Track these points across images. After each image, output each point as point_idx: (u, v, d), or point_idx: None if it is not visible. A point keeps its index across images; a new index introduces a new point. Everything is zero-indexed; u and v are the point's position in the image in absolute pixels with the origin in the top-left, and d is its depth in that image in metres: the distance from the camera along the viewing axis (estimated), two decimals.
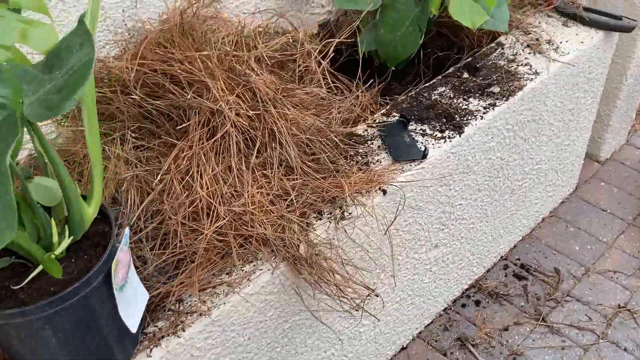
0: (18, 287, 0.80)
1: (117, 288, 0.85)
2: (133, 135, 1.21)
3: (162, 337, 0.98)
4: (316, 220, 1.16)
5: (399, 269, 1.42)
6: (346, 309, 1.14)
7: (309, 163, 1.20)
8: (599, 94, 1.85)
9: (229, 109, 1.13)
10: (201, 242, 1.02)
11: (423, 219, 1.39)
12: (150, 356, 0.96)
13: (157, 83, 1.20)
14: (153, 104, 1.18)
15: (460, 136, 1.35)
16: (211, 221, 1.05)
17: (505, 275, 1.84)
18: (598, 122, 2.13)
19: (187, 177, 1.08)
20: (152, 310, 1.01)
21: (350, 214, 1.18)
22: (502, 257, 1.89)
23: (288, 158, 1.17)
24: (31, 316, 0.77)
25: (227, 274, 1.07)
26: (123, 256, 0.86)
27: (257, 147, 1.16)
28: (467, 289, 1.80)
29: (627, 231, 1.97)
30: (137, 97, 1.18)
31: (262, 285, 1.07)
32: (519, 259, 1.89)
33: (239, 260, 1.09)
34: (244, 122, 1.14)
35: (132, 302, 0.91)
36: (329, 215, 1.17)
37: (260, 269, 1.08)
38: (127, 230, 0.86)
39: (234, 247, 1.06)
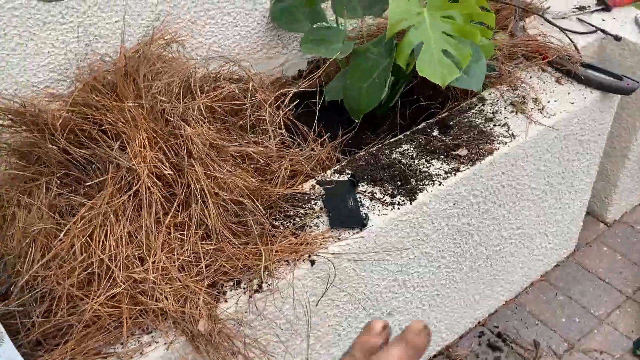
0: None
1: None
2: (58, 182, 1.16)
3: None
4: (230, 291, 1.08)
5: (340, 339, 1.32)
6: None
7: (233, 226, 1.12)
8: (597, 156, 1.70)
9: (145, 165, 1.07)
10: (84, 313, 0.96)
11: (367, 287, 1.29)
12: None
13: (86, 130, 1.16)
14: (77, 152, 1.13)
15: (411, 203, 1.25)
16: (105, 289, 0.99)
17: (479, 344, 1.70)
18: (605, 181, 1.96)
19: (88, 237, 1.02)
20: None
21: (268, 285, 1.09)
22: (479, 322, 1.76)
23: (206, 220, 1.09)
24: None
25: (122, 344, 1.01)
26: None
27: (174, 207, 1.10)
28: (434, 356, 1.67)
29: (623, 306, 1.80)
30: (61, 144, 1.13)
31: (155, 359, 1.00)
32: (497, 327, 1.75)
33: (136, 328, 1.02)
34: (159, 182, 1.07)
35: None
36: (244, 287, 1.08)
37: (157, 342, 1.01)
38: None
39: (126, 318, 0.99)
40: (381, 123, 1.56)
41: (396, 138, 1.42)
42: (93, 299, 0.97)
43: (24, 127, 1.18)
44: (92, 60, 1.33)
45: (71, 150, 1.13)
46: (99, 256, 1.01)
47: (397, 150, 1.38)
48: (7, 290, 1.03)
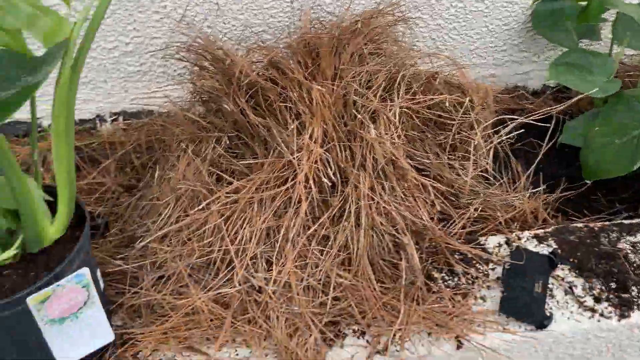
0: None
1: (46, 321, 0.74)
2: (227, 142, 1.07)
3: None
4: (350, 337, 0.90)
5: None
6: None
7: (381, 262, 0.93)
8: None
9: (307, 163, 0.91)
10: (185, 305, 0.86)
11: None
12: None
13: (268, 99, 1.03)
14: (254, 119, 1.02)
15: (620, 320, 0.92)
16: (218, 285, 0.87)
17: None
18: None
19: (224, 218, 0.91)
20: (118, 347, 0.89)
21: (396, 351, 0.89)
22: None
23: (351, 245, 0.91)
24: None
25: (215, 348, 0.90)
26: (66, 293, 0.74)
27: (324, 217, 0.93)
28: None
29: None
30: (241, 105, 1.03)
31: None
32: None
33: (238, 335, 0.90)
34: (316, 182, 0.91)
35: (78, 337, 0.80)
36: (367, 340, 0.90)
37: None
38: (82, 270, 0.74)
39: (229, 324, 0.87)
40: (622, 189, 1.21)
41: (634, 221, 1.07)
42: (202, 290, 0.87)
43: (217, 77, 1.10)
44: (312, 16, 1.20)
45: (249, 114, 1.02)
46: (227, 246, 0.89)
47: (628, 237, 1.03)
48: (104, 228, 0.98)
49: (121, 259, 0.93)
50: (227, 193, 0.93)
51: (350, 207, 0.91)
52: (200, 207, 0.93)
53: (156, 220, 0.96)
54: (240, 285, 0.88)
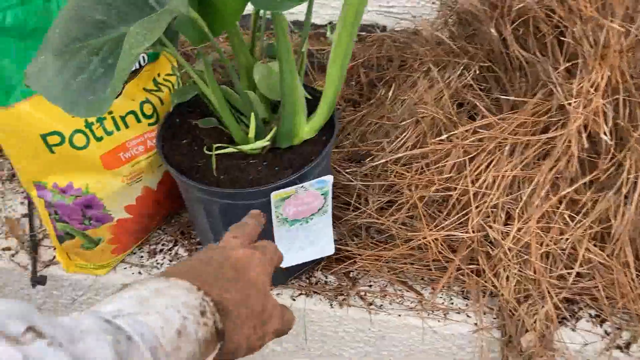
0: (209, 152, 0.74)
1: (280, 219, 0.72)
2: (476, 72, 0.96)
3: (317, 293, 0.84)
4: (586, 322, 0.78)
5: None
6: None
7: None
8: None
9: (582, 113, 0.77)
10: (416, 238, 0.79)
11: None
12: (294, 300, 0.84)
13: (540, 32, 0.89)
14: (516, 51, 0.89)
15: None
16: (451, 225, 0.79)
17: None
18: None
19: (468, 157, 0.82)
20: (332, 261, 0.86)
21: None
22: None
23: (612, 219, 0.77)
24: (191, 189, 0.71)
25: (432, 289, 0.83)
26: (305, 196, 0.70)
27: (584, 180, 0.80)
28: None
29: None
30: (505, 33, 0.90)
31: (452, 332, 0.80)
32: None
33: (457, 285, 0.83)
34: (585, 139, 0.77)
35: (302, 243, 0.77)
36: (605, 331, 0.77)
37: (468, 316, 0.80)
38: (328, 178, 0.69)
39: (453, 270, 0.79)
40: None
41: None
42: (434, 227, 0.79)
43: None
44: None
45: (511, 45, 0.89)
46: (467, 186, 0.80)
47: None
48: (362, 159, 0.93)
49: (349, 173, 0.88)
50: (477, 127, 0.82)
51: (622, 174, 0.77)
52: (442, 137, 0.84)
53: (391, 141, 0.89)
54: (473, 232, 0.79)
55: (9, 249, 0.92)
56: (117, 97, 0.75)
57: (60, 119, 0.72)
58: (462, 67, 0.96)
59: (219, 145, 0.69)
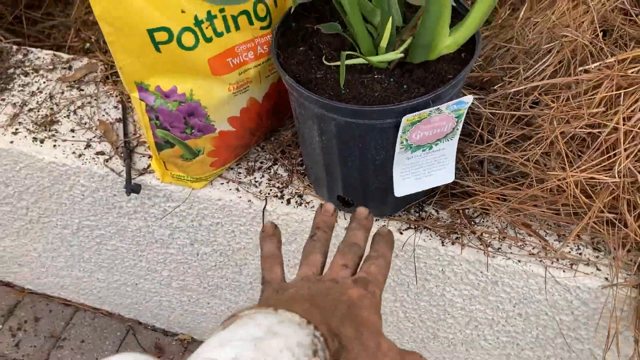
0: (328, 63, 0.65)
1: (404, 144, 0.64)
2: None
3: (428, 229, 0.76)
4: None
5: None
6: None
7: None
8: None
9: None
10: (552, 179, 0.69)
11: None
12: (401, 233, 0.77)
13: None
14: None
15: None
16: (585, 166, 0.69)
17: None
18: None
19: (622, 91, 0.70)
20: (446, 195, 0.78)
21: None
22: None
23: None
24: (307, 102, 0.63)
25: (558, 236, 0.74)
26: (438, 119, 0.62)
27: None
28: None
29: None
30: None
31: (578, 285, 0.72)
32: None
33: (588, 234, 0.73)
34: None
35: (421, 170, 0.69)
36: None
37: (599, 270, 0.71)
38: (468, 98, 0.60)
39: (591, 215, 0.70)
40: None
41: None
42: (574, 169, 0.69)
43: None
44: None
45: None
46: (617, 123, 0.69)
47: None
48: (489, 82, 0.82)
49: (475, 97, 0.78)
50: (635, 56, 0.70)
51: None
52: (591, 65, 0.72)
53: (526, 68, 0.78)
54: (619, 177, 0.68)
55: (102, 153, 0.89)
56: None
57: (170, 14, 0.65)
58: None
59: (349, 53, 0.60)
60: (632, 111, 0.70)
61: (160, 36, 0.65)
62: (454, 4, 0.62)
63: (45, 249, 1.17)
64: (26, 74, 1.00)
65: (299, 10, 0.72)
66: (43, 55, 1.03)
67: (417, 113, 0.59)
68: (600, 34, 0.81)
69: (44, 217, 1.04)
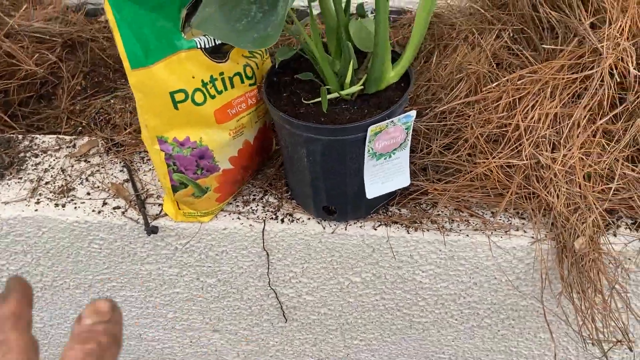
0: (306, 102, 0.88)
1: (370, 152, 0.86)
2: (510, 35, 1.11)
3: (395, 222, 0.98)
4: (625, 228, 0.93)
5: None
6: (582, 334, 0.94)
7: None
8: None
9: (612, 53, 0.93)
10: (479, 166, 0.94)
11: None
12: (375, 230, 0.98)
13: None
14: (545, 12, 1.05)
15: None
16: (507, 155, 0.94)
17: None
18: None
19: (517, 98, 0.97)
20: (404, 196, 1.01)
21: None
22: None
23: None
24: (297, 130, 0.85)
25: (492, 212, 0.98)
26: (393, 130, 0.85)
27: (615, 111, 0.95)
28: None
29: None
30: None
31: (513, 245, 0.95)
32: None
33: (512, 207, 0.98)
34: (617, 78, 0.93)
35: (385, 175, 0.92)
36: None
37: (525, 232, 0.95)
38: (412, 112, 0.84)
39: (512, 193, 0.94)
40: None
41: None
42: (493, 158, 0.94)
43: None
44: None
45: (541, 8, 1.05)
46: (518, 122, 0.95)
47: None
48: (420, 111, 1.08)
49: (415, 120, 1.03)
50: (524, 74, 0.98)
51: None
52: (493, 85, 0.99)
53: (446, 94, 1.05)
54: (526, 159, 0.94)
55: (118, 207, 1.06)
56: (225, 62, 0.90)
57: (185, 80, 0.86)
58: (496, 32, 1.12)
59: (327, 87, 0.83)
60: (526, 112, 0.97)
61: (179, 96, 0.86)
62: (392, 48, 0.87)
63: (52, 316, 1.28)
64: (36, 156, 1.17)
65: (277, 69, 0.95)
66: (47, 139, 1.21)
67: (378, 124, 0.82)
68: (495, 65, 1.09)
69: (57, 279, 1.18)
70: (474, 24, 1.17)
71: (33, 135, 1.22)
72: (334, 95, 0.86)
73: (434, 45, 1.25)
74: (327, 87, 0.86)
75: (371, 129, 0.83)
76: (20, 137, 1.22)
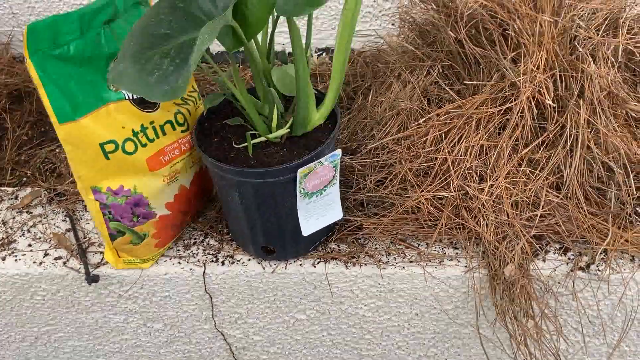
0: (237, 145, 0.91)
1: (302, 192, 0.89)
2: (439, 71, 1.16)
3: (334, 259, 1.00)
4: (553, 253, 0.96)
5: None
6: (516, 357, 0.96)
7: (589, 190, 0.98)
8: None
9: (529, 86, 0.97)
10: (410, 200, 0.97)
11: None
12: (315, 267, 1.00)
13: (488, 30, 1.10)
14: (470, 48, 1.10)
15: None
16: (436, 188, 0.97)
17: None
18: None
19: (443, 132, 1.01)
20: (341, 232, 1.03)
21: (598, 270, 0.94)
22: None
23: (563, 169, 0.97)
24: (228, 174, 0.87)
25: (426, 244, 1.00)
26: (322, 170, 0.88)
27: (537, 141, 0.99)
28: None
29: None
30: (460, 35, 1.11)
31: (448, 275, 0.97)
32: None
33: (446, 238, 1.00)
34: (535, 109, 0.97)
35: (318, 212, 0.94)
36: (569, 257, 0.96)
37: (459, 261, 0.98)
38: (338, 151, 0.87)
39: (443, 224, 0.97)
40: None
41: None
42: (422, 191, 0.97)
43: (433, 7, 1.19)
44: None
45: (466, 44, 1.10)
46: (445, 156, 0.99)
47: None
48: (356, 147, 1.11)
49: (349, 158, 1.06)
50: (450, 109, 1.02)
51: (567, 132, 0.97)
52: (421, 121, 1.03)
53: (378, 131, 1.08)
54: (455, 191, 0.97)
55: (60, 257, 1.06)
56: (155, 111, 0.92)
57: (114, 130, 0.88)
58: (427, 69, 1.17)
59: (252, 132, 0.86)
60: (452, 146, 1.00)
61: (109, 147, 0.88)
62: (316, 92, 0.91)
63: None
64: None
65: (208, 114, 0.97)
66: None
67: (307, 166, 0.85)
68: (426, 101, 1.13)
69: (2, 333, 1.16)
70: (406, 62, 1.21)
71: None
72: (262, 139, 0.89)
73: (371, 82, 1.30)
74: (254, 132, 0.88)
75: (301, 171, 0.85)
76: None
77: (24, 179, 1.29)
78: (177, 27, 0.69)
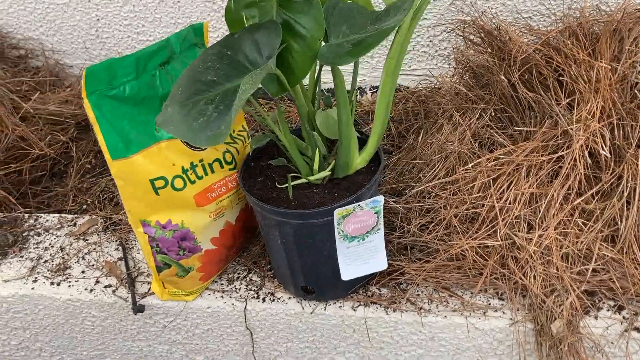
0: (280, 185, 0.92)
1: (341, 235, 0.88)
2: (492, 114, 1.14)
3: (374, 303, 0.99)
4: (607, 310, 0.91)
5: None
6: None
7: None
8: None
9: (583, 135, 0.94)
10: (454, 247, 0.94)
11: None
12: (354, 310, 0.99)
13: (542, 74, 1.08)
14: (523, 93, 1.07)
15: None
16: (483, 236, 0.95)
17: None
18: None
19: (492, 179, 0.98)
20: (383, 275, 1.01)
21: None
22: None
23: (619, 222, 0.92)
24: (269, 214, 0.88)
25: (470, 293, 0.98)
26: (362, 214, 0.87)
27: (591, 192, 0.95)
28: None
29: None
30: (513, 79, 1.09)
31: (492, 327, 0.94)
32: None
33: (491, 288, 0.97)
34: (589, 158, 0.94)
35: (360, 258, 0.93)
36: (624, 316, 0.90)
37: (504, 313, 0.94)
38: (380, 197, 0.87)
39: (488, 274, 0.94)
40: None
41: None
42: (468, 238, 0.95)
43: (488, 50, 1.17)
44: (585, 4, 1.21)
45: (519, 89, 1.08)
46: (493, 203, 0.96)
47: None
48: (403, 189, 1.10)
49: (393, 201, 1.05)
50: (499, 155, 0.99)
51: (623, 184, 0.92)
52: (469, 166, 1.01)
53: (425, 174, 1.07)
54: (502, 240, 0.94)
55: (110, 286, 1.10)
56: (204, 149, 0.95)
57: (164, 168, 0.91)
58: (479, 111, 1.15)
59: (293, 175, 0.87)
60: (501, 193, 0.98)
61: (159, 183, 0.91)
62: (359, 135, 0.91)
63: None
64: (39, 234, 1.23)
65: (255, 154, 0.99)
66: (50, 218, 1.27)
67: (344, 208, 0.85)
68: (476, 144, 1.11)
69: (55, 354, 1.21)
70: (458, 103, 1.20)
71: (38, 214, 1.28)
72: (304, 180, 0.89)
73: (423, 122, 1.29)
74: (295, 174, 0.89)
75: (337, 212, 0.85)
76: (26, 216, 1.28)
77: (84, 206, 1.35)
78: (223, 75, 0.71)
